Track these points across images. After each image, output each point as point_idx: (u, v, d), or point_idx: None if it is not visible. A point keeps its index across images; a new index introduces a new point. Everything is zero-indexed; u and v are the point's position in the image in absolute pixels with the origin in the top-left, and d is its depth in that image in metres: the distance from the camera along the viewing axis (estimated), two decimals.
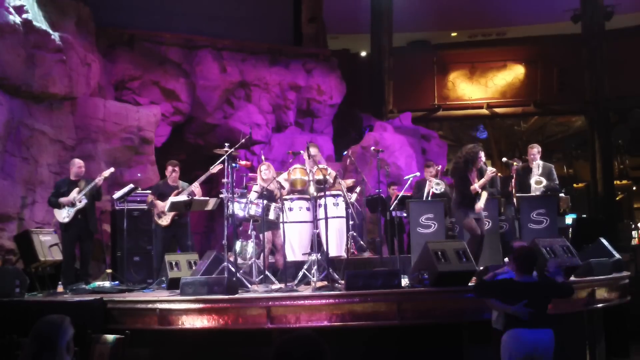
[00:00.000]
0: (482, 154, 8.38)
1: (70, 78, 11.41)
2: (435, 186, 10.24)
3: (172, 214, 9.24)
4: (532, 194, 9.68)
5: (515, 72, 19.33)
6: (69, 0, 12.03)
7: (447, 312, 6.92)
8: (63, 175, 10.55)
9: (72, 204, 9.12)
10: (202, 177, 9.30)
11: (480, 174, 8.35)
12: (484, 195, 8.48)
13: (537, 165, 9.77)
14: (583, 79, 18.41)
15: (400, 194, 11.09)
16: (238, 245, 9.01)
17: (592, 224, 12.99)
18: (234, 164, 8.10)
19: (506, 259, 9.36)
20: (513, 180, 9.71)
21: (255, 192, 8.83)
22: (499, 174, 9.12)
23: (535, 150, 9.95)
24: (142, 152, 12.67)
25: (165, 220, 9.32)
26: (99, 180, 9.24)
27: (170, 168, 9.66)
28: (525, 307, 5.35)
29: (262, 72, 15.21)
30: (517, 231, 9.43)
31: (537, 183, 9.61)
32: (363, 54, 20.51)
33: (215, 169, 8.85)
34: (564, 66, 18.85)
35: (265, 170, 9.02)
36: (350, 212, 8.83)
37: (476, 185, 8.19)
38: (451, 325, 6.97)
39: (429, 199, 10.19)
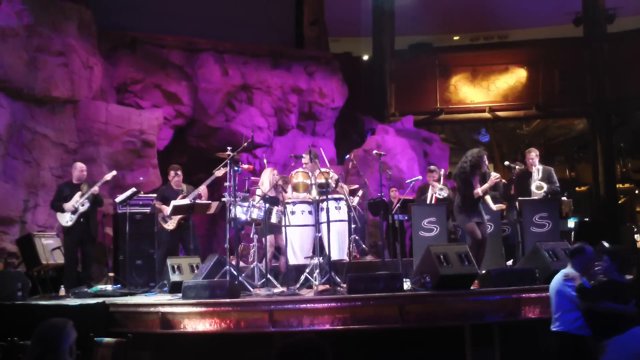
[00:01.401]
0: (486, 159, 8.38)
1: (72, 81, 11.42)
2: (438, 191, 10.24)
3: (177, 217, 9.26)
4: (534, 196, 9.65)
5: (517, 75, 19.33)
6: (70, 4, 12.05)
7: (450, 315, 6.91)
8: (65, 178, 10.57)
9: (75, 209, 9.14)
10: (207, 181, 9.32)
11: (483, 179, 8.34)
12: (488, 198, 8.55)
13: (537, 170, 9.68)
14: (585, 81, 18.42)
15: (402, 197, 11.10)
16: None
17: (594, 227, 12.98)
18: (236, 168, 8.10)
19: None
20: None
21: (258, 195, 8.84)
22: (503, 180, 9.08)
23: (534, 154, 9.86)
24: (144, 155, 12.67)
25: (171, 225, 9.35)
26: (94, 189, 9.21)
27: (172, 172, 9.69)
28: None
29: (263, 75, 15.23)
30: (519, 234, 9.41)
31: (538, 188, 9.55)
32: (365, 57, 20.53)
33: (219, 172, 8.86)
34: (566, 69, 18.85)
35: (275, 176, 9.06)
36: (352, 215, 8.83)
37: (479, 190, 8.19)
38: (453, 328, 6.96)
39: (432, 203, 10.20)
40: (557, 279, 5.92)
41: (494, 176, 8.36)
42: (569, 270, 5.87)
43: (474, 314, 6.91)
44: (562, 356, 5.78)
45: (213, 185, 9.48)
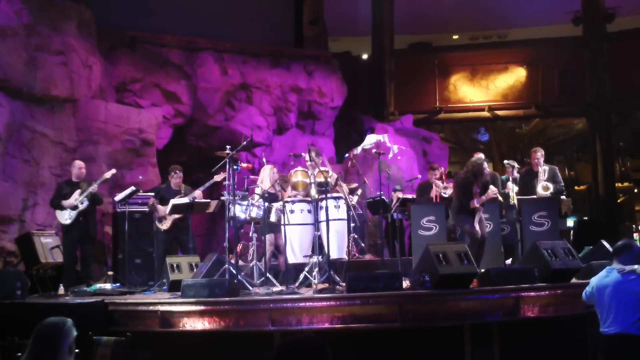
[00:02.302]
0: (486, 165, 8.40)
1: (71, 80, 11.42)
2: (443, 190, 10.23)
3: (172, 218, 9.26)
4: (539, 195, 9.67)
5: (516, 75, 19.33)
6: (70, 3, 12.04)
7: (449, 315, 6.91)
8: (64, 177, 10.57)
9: (75, 207, 9.14)
10: (206, 184, 9.32)
11: (484, 188, 8.34)
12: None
13: (544, 170, 9.72)
14: (584, 81, 18.42)
15: (401, 196, 11.09)
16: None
17: (593, 226, 12.99)
18: (235, 167, 8.10)
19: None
20: (509, 182, 9.73)
21: (257, 194, 8.85)
22: (500, 199, 9.06)
23: (539, 154, 9.89)
24: (143, 154, 12.66)
25: (165, 225, 9.34)
26: (93, 187, 9.22)
27: (173, 173, 9.68)
28: None
29: (263, 74, 15.22)
30: (518, 233, 9.42)
31: (544, 189, 9.58)
32: (364, 56, 20.52)
33: (218, 177, 8.88)
34: (565, 68, 18.84)
35: (275, 174, 9.06)
36: (351, 214, 8.83)
37: (476, 202, 8.20)
38: (453, 327, 6.96)
39: (431, 202, 10.19)
40: (611, 277, 5.55)
41: (492, 191, 8.36)
42: (619, 266, 5.54)
43: (473, 313, 6.92)
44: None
45: (212, 184, 9.48)
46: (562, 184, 9.91)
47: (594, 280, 5.81)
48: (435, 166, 10.87)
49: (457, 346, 6.97)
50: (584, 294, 5.96)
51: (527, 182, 9.82)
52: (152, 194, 9.90)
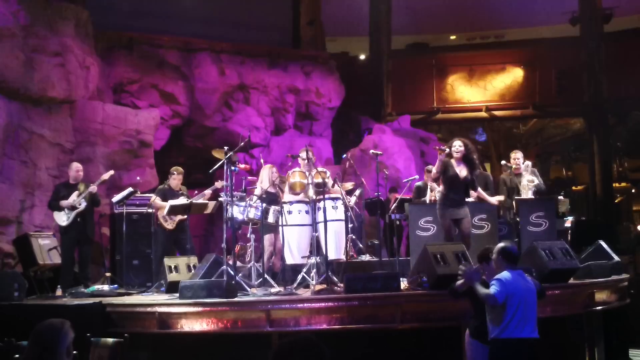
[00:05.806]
0: (455, 144, 8.32)
1: (68, 81, 11.41)
2: (437, 193, 10.20)
3: (178, 218, 9.26)
4: (525, 193, 9.68)
5: (513, 75, 19.35)
6: (67, 4, 12.04)
7: (447, 315, 6.91)
8: (62, 178, 10.56)
9: (73, 207, 9.12)
10: (209, 189, 9.32)
11: (471, 168, 8.27)
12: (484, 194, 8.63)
13: (526, 166, 9.81)
14: (582, 81, 18.43)
15: (399, 196, 11.08)
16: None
17: (591, 226, 12.99)
18: (233, 167, 8.09)
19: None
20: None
21: (256, 195, 8.84)
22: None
23: (519, 155, 10.00)
24: (141, 156, 12.66)
25: (171, 225, 9.33)
26: (92, 188, 9.21)
27: (175, 174, 9.67)
28: None
29: (260, 75, 15.23)
30: (516, 234, 9.42)
31: (530, 182, 9.64)
32: (362, 56, 20.53)
33: (219, 184, 8.88)
34: (563, 69, 18.87)
35: (275, 173, 9.07)
36: (349, 215, 8.83)
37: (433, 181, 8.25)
38: (451, 327, 6.96)
39: (429, 203, 10.18)
40: (526, 282, 5.54)
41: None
42: (522, 272, 5.67)
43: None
44: None
45: (210, 184, 9.49)
46: (542, 181, 10.00)
47: (509, 283, 5.45)
48: (430, 168, 10.82)
49: (456, 347, 6.97)
50: (499, 295, 5.40)
51: (512, 184, 9.87)
52: (152, 195, 9.89)
